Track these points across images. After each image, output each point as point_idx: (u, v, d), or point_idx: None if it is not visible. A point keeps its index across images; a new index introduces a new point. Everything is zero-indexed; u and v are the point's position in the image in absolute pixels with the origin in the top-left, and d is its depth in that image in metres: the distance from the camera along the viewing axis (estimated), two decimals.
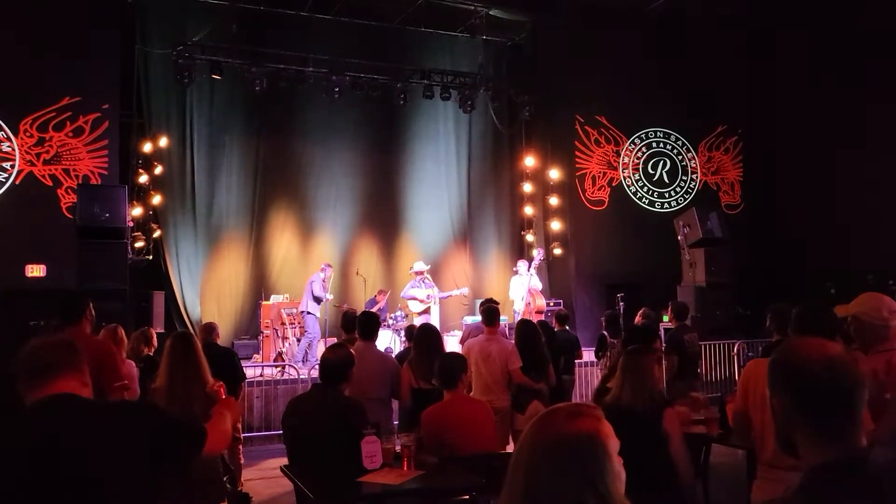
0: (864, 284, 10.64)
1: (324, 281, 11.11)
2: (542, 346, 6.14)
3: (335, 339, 8.65)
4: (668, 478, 3.49)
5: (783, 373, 1.56)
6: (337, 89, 12.14)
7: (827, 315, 3.40)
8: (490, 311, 6.39)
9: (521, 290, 11.59)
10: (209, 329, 7.38)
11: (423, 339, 5.63)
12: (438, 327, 11.05)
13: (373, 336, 5.64)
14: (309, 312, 10.81)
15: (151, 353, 6.48)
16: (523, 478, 1.53)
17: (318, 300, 10.89)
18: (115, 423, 2.12)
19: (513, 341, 6.30)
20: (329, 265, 11.53)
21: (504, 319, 11.14)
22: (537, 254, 12.24)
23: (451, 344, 10.94)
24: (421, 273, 11.64)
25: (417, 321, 10.69)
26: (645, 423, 3.50)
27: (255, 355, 11.14)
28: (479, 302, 10.85)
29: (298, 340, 10.93)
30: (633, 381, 3.65)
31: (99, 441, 2.04)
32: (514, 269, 12.10)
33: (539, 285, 11.86)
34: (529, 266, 11.77)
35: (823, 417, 1.50)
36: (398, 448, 4.06)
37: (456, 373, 4.49)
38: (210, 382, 4.02)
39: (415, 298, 11.52)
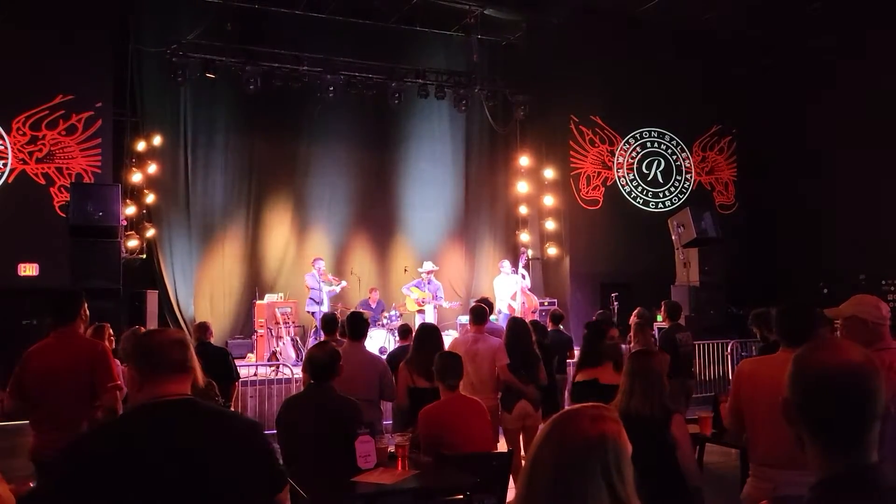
0: (857, 285, 10.73)
1: (321, 273, 11.16)
2: (532, 344, 6.12)
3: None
4: (677, 483, 3.48)
5: (798, 375, 1.51)
6: (331, 88, 12.13)
7: (809, 313, 3.41)
8: (477, 310, 6.38)
9: (508, 290, 11.64)
10: (203, 328, 7.37)
11: (424, 337, 5.61)
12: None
13: (361, 336, 5.61)
14: (312, 313, 10.87)
15: None
16: (547, 480, 1.54)
17: (315, 300, 10.94)
18: (240, 435, 2.16)
19: (500, 339, 6.28)
20: (319, 258, 11.56)
21: (493, 318, 11.18)
22: (524, 253, 12.33)
23: (447, 343, 10.95)
24: (430, 273, 11.75)
25: (414, 318, 10.77)
26: (654, 429, 3.46)
27: (249, 355, 11.11)
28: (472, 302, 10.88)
29: (293, 340, 10.91)
30: (643, 386, 3.56)
31: (224, 450, 2.08)
32: (500, 266, 12.15)
33: (527, 284, 11.92)
34: (518, 267, 11.82)
35: (833, 427, 1.45)
36: (392, 448, 4.06)
37: (460, 371, 4.50)
38: (201, 382, 4.02)
39: (408, 296, 11.63)
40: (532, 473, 1.57)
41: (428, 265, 11.89)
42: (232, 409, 7.12)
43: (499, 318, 11.49)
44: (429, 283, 11.69)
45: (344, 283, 11.54)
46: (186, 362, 2.21)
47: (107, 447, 2.00)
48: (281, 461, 4.13)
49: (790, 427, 1.52)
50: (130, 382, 2.19)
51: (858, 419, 1.44)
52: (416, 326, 7.21)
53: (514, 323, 6.48)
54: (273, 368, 9.88)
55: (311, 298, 11.08)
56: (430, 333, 5.69)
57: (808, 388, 1.49)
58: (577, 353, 8.61)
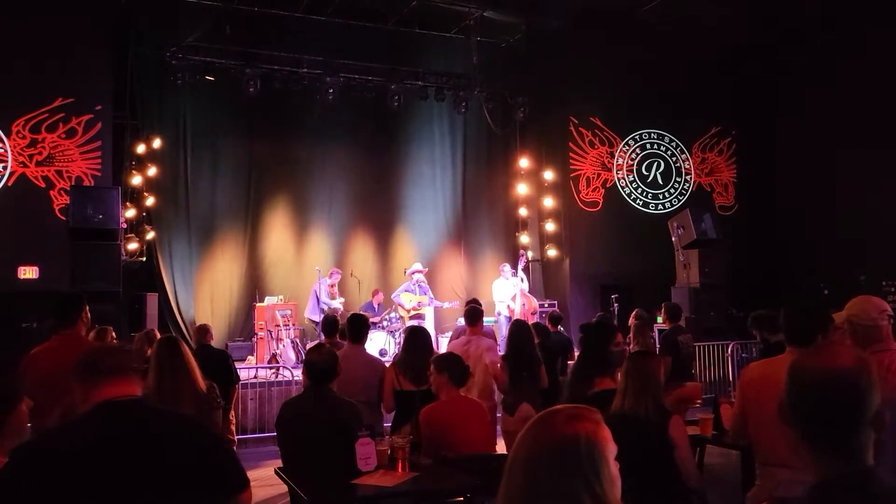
0: (857, 285, 10.73)
1: (331, 287, 11.17)
2: (533, 346, 6.11)
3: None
4: (673, 485, 3.47)
5: (790, 378, 1.55)
6: (331, 90, 12.13)
7: (814, 314, 3.41)
8: (472, 311, 6.36)
9: (508, 293, 11.62)
10: (203, 331, 7.36)
11: (414, 340, 5.59)
12: (433, 329, 11.15)
13: (361, 339, 5.60)
14: (313, 320, 10.85)
15: None
16: (521, 479, 1.54)
17: (322, 310, 10.98)
18: (191, 434, 2.17)
19: (492, 340, 6.26)
20: (338, 271, 11.64)
21: (493, 321, 11.18)
22: (522, 255, 12.33)
23: (445, 345, 10.94)
24: (421, 272, 11.68)
25: (410, 323, 10.72)
26: (651, 431, 3.45)
27: (249, 357, 11.11)
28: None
29: (293, 342, 10.90)
30: (636, 387, 3.56)
31: (176, 448, 2.09)
32: (500, 269, 12.15)
33: (525, 286, 11.91)
34: (517, 270, 11.81)
35: (821, 429, 1.49)
36: (391, 450, 4.05)
37: (466, 371, 4.49)
38: (201, 383, 4.02)
39: (402, 305, 11.55)
40: (509, 473, 1.58)
41: (416, 267, 11.86)
42: (232, 412, 7.13)
43: (499, 321, 11.51)
44: (419, 286, 11.66)
45: (341, 300, 11.53)
46: (126, 365, 2.20)
47: (50, 449, 2.00)
48: (281, 462, 4.15)
49: (788, 429, 1.54)
50: (77, 398, 2.19)
51: (845, 421, 1.47)
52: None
53: (516, 325, 6.46)
54: (273, 371, 9.88)
55: (321, 307, 11.06)
56: (419, 336, 5.65)
57: (798, 390, 1.53)
58: (576, 354, 8.66)
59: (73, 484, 1.93)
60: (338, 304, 11.32)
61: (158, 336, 6.66)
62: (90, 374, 2.16)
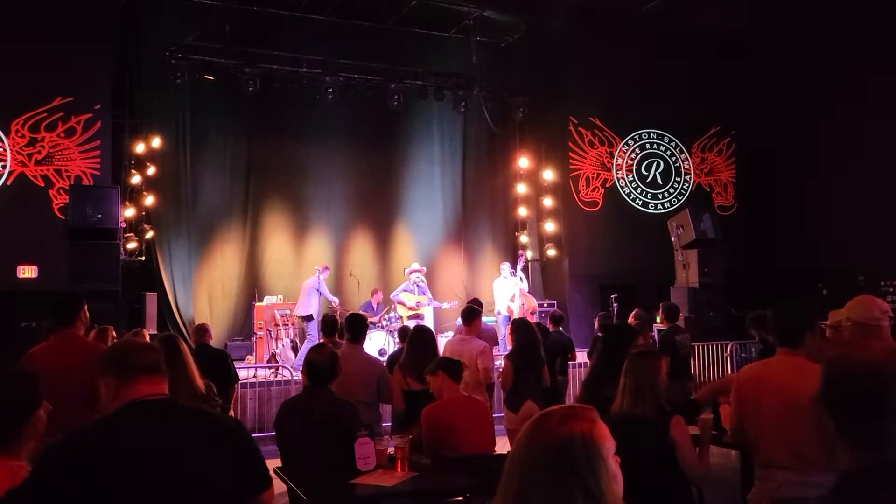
0: (856, 285, 10.73)
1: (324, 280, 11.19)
2: (538, 345, 6.10)
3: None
4: (672, 485, 3.46)
5: (822, 381, 1.66)
6: (330, 90, 12.13)
7: (802, 312, 3.38)
8: (468, 311, 6.36)
9: (507, 292, 11.63)
10: (201, 330, 7.35)
11: (417, 339, 5.60)
12: (432, 329, 11.14)
13: (360, 338, 5.60)
14: (311, 316, 10.82)
15: None
16: (517, 480, 1.54)
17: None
18: (226, 434, 2.18)
19: (485, 342, 6.27)
20: (327, 267, 11.58)
21: (493, 321, 11.18)
22: (521, 255, 12.33)
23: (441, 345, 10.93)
24: (419, 271, 11.67)
25: (409, 323, 10.71)
26: (649, 430, 3.44)
27: (248, 357, 11.10)
28: None
29: (292, 342, 10.90)
30: (633, 386, 3.54)
31: (211, 448, 2.10)
32: (500, 268, 12.16)
33: (525, 286, 11.92)
34: (516, 269, 11.82)
35: (852, 424, 1.57)
36: (391, 450, 4.05)
37: (458, 363, 4.49)
38: (200, 383, 4.01)
39: (402, 304, 11.53)
40: (506, 474, 1.58)
41: (414, 266, 11.86)
42: (231, 411, 7.12)
43: (498, 320, 11.51)
44: (417, 286, 11.65)
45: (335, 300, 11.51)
46: (159, 363, 2.21)
47: (85, 448, 1.99)
48: (280, 461, 4.15)
49: (800, 427, 1.64)
50: (105, 392, 2.18)
51: (871, 412, 1.57)
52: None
53: (521, 324, 6.44)
54: (272, 370, 9.88)
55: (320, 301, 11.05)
56: (423, 335, 5.66)
57: (830, 383, 1.65)
58: (577, 354, 8.67)
59: (110, 484, 1.93)
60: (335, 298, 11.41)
61: (147, 335, 6.69)
62: (124, 370, 2.15)
